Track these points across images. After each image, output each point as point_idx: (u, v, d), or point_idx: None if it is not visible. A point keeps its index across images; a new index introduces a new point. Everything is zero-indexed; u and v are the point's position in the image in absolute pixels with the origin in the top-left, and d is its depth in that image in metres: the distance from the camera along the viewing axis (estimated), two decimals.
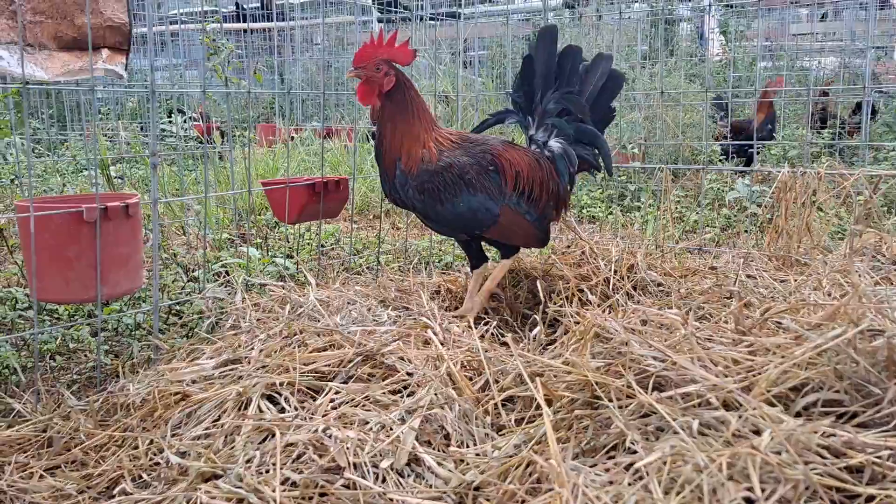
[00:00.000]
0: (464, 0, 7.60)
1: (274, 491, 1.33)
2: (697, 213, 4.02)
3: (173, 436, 1.61)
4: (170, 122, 5.42)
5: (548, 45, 2.47)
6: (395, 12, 8.04)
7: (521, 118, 2.55)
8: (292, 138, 6.17)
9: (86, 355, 2.40)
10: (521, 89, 2.52)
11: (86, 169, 4.82)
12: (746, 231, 3.75)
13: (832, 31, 9.63)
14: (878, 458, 1.18)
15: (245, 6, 10.10)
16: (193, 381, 1.78)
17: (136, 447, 1.62)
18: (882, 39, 8.61)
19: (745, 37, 7.66)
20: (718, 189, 4.69)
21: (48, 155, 5.55)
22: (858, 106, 6.43)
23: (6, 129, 2.66)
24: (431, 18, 6.14)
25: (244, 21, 9.54)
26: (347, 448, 1.43)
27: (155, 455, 1.59)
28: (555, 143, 2.50)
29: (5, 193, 3.89)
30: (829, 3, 9.05)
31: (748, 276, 2.59)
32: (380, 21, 9.10)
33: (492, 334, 2.20)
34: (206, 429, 1.60)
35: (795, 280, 2.42)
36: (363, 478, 1.38)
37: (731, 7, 7.39)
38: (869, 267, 2.45)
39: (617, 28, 6.79)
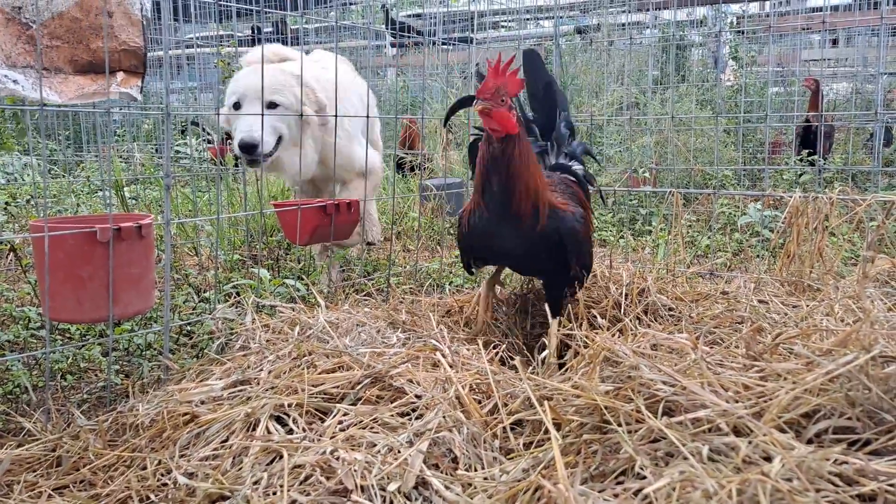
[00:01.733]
0: (476, 26, 7.67)
1: None
2: (709, 237, 4.01)
3: (181, 456, 1.61)
4: (185, 143, 5.48)
5: (539, 69, 2.45)
6: (409, 37, 8.12)
7: (542, 143, 2.53)
8: None
9: (96, 375, 2.41)
10: (544, 115, 2.49)
11: (100, 190, 4.86)
12: (758, 256, 3.73)
13: (844, 58, 9.63)
14: (891, 486, 1.17)
15: (261, 31, 10.23)
16: (202, 402, 1.79)
17: (145, 468, 1.62)
18: (894, 65, 8.61)
19: (757, 62, 7.69)
20: (730, 213, 4.68)
21: (64, 176, 5.61)
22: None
23: (10, 143, 2.69)
24: (444, 43, 6.20)
25: (259, 45, 9.66)
26: (355, 470, 1.42)
27: (163, 476, 1.59)
28: (577, 167, 2.48)
29: (21, 213, 3.93)
30: (840, 29, 9.06)
31: (760, 301, 2.57)
32: (392, 46, 9.19)
33: (501, 357, 2.19)
34: (215, 450, 1.60)
35: (807, 305, 2.40)
36: (370, 501, 1.37)
37: (742, 33, 7.43)
38: (881, 293, 2.43)
39: (628, 53, 6.83)
